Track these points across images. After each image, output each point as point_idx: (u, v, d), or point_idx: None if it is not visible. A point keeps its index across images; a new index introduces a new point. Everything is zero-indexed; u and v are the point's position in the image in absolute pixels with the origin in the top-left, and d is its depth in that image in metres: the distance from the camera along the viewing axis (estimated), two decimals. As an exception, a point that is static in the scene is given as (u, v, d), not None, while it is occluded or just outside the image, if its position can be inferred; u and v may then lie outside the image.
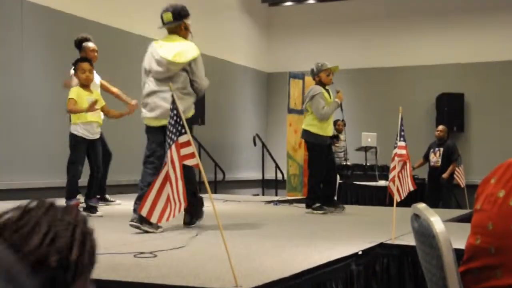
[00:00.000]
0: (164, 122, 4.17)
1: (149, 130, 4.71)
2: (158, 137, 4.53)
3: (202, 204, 4.87)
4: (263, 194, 10.84)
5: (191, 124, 4.65)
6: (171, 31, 4.80)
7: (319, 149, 6.43)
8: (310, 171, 6.59)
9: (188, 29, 4.80)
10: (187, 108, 4.55)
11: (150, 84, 4.69)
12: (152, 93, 4.65)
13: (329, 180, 6.49)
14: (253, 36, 12.39)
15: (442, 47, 11.53)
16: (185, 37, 4.78)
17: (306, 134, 6.55)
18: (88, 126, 5.42)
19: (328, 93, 6.53)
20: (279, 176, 10.60)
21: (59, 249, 1.08)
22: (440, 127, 10.06)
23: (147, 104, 4.70)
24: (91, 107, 5.22)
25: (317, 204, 6.35)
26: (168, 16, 4.74)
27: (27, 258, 1.05)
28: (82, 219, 1.14)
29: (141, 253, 3.48)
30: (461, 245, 2.06)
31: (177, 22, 4.75)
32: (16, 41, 7.24)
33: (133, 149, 8.63)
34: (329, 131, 6.50)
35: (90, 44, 6.06)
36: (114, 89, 6.22)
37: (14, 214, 1.11)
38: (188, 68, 4.64)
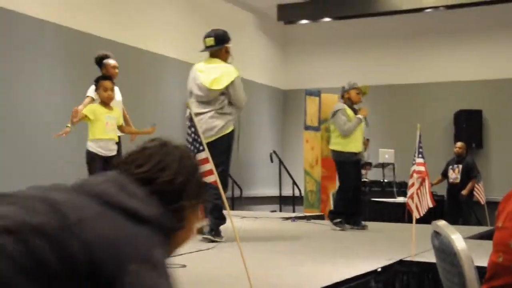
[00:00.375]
0: (207, 140, 4.70)
1: None
2: None
3: (223, 222, 4.88)
4: (280, 211, 10.81)
5: (231, 140, 5.12)
6: (213, 54, 5.16)
7: (343, 165, 6.43)
8: (338, 187, 6.66)
9: (229, 52, 5.18)
10: (224, 125, 5.02)
11: (193, 107, 4.99)
12: (195, 116, 4.93)
13: (355, 198, 6.45)
14: (269, 54, 12.45)
15: (459, 64, 11.48)
16: (225, 60, 5.14)
17: (332, 153, 6.63)
18: (102, 143, 5.40)
19: (355, 111, 6.54)
20: (296, 193, 10.57)
21: (166, 175, 1.30)
22: (459, 144, 9.99)
23: None
24: (73, 119, 5.23)
25: (337, 220, 6.33)
26: (211, 41, 5.10)
27: (137, 178, 1.28)
28: (190, 153, 1.40)
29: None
30: (483, 262, 2.04)
31: (219, 46, 5.11)
32: (34, 60, 7.33)
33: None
34: (353, 147, 6.43)
35: (111, 61, 6.10)
36: (127, 116, 6.23)
37: (133, 152, 1.35)
38: (225, 91, 5.02)
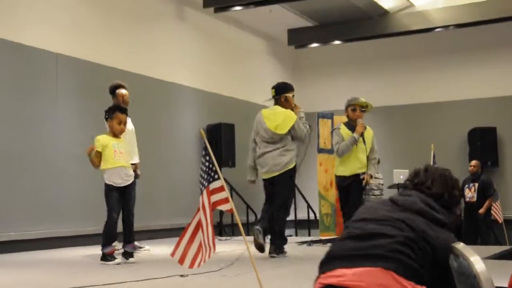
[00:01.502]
0: (271, 174, 5.81)
1: (264, 181, 6.02)
2: (268, 187, 5.94)
3: (285, 242, 5.83)
4: (296, 235, 10.72)
5: (294, 173, 5.94)
6: (275, 102, 6.00)
7: (337, 188, 6.53)
8: None
9: (288, 101, 5.94)
10: (289, 161, 5.83)
11: (261, 147, 5.94)
12: (262, 154, 5.90)
13: None
14: (281, 78, 12.40)
15: (472, 82, 11.45)
16: (285, 107, 5.90)
17: None
18: (114, 172, 5.40)
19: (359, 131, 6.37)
20: (312, 216, 10.50)
21: (448, 188, 2.13)
22: (473, 162, 9.91)
23: (259, 163, 5.95)
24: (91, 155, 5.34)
25: None
26: (273, 92, 6.02)
27: (428, 194, 2.13)
28: (447, 171, 2.19)
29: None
30: (503, 283, 2.01)
31: (277, 96, 5.96)
32: (51, 93, 7.41)
33: (163, 194, 8.69)
34: (342, 171, 6.24)
35: (123, 91, 6.21)
36: None
37: (413, 175, 2.21)
38: (288, 133, 5.86)
